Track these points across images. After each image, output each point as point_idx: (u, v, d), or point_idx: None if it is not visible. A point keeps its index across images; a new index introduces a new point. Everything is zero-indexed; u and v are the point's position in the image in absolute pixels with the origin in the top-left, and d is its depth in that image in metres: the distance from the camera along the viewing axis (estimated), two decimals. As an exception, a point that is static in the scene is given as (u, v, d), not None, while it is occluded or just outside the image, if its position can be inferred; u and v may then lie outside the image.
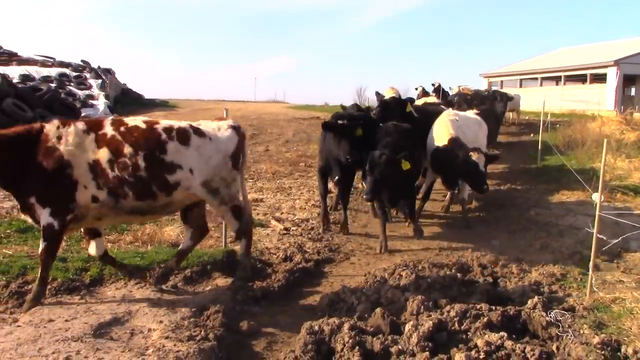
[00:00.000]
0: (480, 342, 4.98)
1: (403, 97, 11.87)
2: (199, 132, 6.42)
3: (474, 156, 9.26)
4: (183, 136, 6.26)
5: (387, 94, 11.29)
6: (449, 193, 12.22)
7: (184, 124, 6.43)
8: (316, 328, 5.33)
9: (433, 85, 26.13)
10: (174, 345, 5.12)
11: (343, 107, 13.77)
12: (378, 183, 8.52)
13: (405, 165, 8.53)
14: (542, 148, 18.02)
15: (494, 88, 40.98)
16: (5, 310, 5.95)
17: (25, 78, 29.11)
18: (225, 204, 6.63)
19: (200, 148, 6.33)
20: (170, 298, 6.38)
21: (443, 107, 13.92)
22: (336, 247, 9.01)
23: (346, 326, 5.26)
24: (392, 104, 10.89)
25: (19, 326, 5.49)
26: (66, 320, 5.63)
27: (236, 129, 6.76)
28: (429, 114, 11.55)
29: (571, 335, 5.22)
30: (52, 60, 35.44)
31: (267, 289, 6.96)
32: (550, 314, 5.63)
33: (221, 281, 6.99)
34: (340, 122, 9.61)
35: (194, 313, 5.94)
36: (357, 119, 9.78)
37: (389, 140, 9.08)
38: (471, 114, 12.28)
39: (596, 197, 6.54)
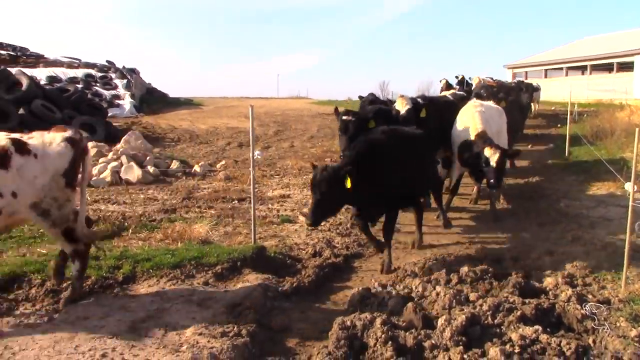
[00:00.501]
0: (514, 336, 4.93)
1: (426, 91, 11.86)
2: (21, 150, 5.59)
3: (488, 152, 9.19)
4: (1, 159, 5.44)
5: (400, 107, 10.65)
6: (475, 186, 12.14)
7: (4, 141, 5.52)
8: (348, 323, 5.32)
9: (457, 77, 25.96)
10: (208, 341, 5.16)
11: (361, 97, 13.86)
12: (319, 205, 7.10)
13: (348, 183, 7.03)
14: (570, 139, 17.78)
15: (517, 79, 40.57)
16: (42, 308, 6.04)
17: (53, 80, 29.56)
18: (57, 226, 5.92)
19: (22, 168, 5.54)
20: (202, 295, 6.42)
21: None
22: (365, 242, 8.98)
23: (378, 321, 5.25)
24: (409, 116, 10.53)
25: (55, 324, 5.58)
26: (101, 318, 5.71)
27: (73, 142, 5.93)
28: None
29: (607, 329, 5.15)
30: (78, 61, 35.96)
31: (298, 285, 6.97)
32: (585, 306, 5.55)
33: (251, 277, 7.02)
34: (345, 117, 9.70)
35: (226, 309, 5.98)
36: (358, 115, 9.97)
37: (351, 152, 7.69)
38: (491, 104, 12.14)
39: (629, 186, 6.45)
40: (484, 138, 9.46)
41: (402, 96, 10.96)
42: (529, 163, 16.95)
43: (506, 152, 9.47)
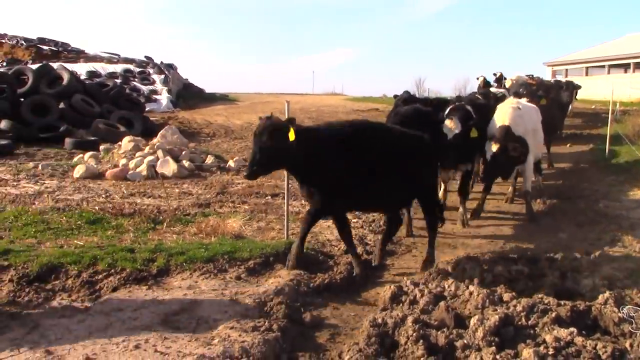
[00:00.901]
0: (548, 338, 4.84)
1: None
2: None
3: (494, 147, 9.23)
4: None
5: (449, 130, 9.24)
6: (510, 185, 11.99)
7: None
8: (379, 321, 5.30)
9: (495, 75, 25.58)
10: (239, 335, 5.19)
11: (395, 96, 13.73)
12: (255, 156, 6.59)
13: (291, 135, 6.48)
14: (611, 138, 17.39)
15: (557, 77, 39.85)
16: (77, 299, 6.16)
17: (92, 74, 30.15)
18: None
19: None
20: (234, 289, 6.46)
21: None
22: (397, 240, 8.92)
23: (410, 319, 5.21)
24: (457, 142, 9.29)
25: (90, 315, 5.68)
26: (135, 310, 5.78)
27: None
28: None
29: (645, 333, 5.02)
30: (117, 57, 36.59)
31: (330, 281, 6.96)
32: (622, 309, 5.41)
33: (284, 273, 7.03)
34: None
35: (257, 304, 6.00)
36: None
37: None
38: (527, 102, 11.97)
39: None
40: (501, 133, 9.42)
41: (451, 119, 9.34)
42: (567, 163, 16.64)
43: (507, 148, 9.33)
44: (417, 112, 9.66)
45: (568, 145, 19.22)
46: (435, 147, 7.95)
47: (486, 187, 10.53)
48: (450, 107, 10.18)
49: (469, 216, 10.11)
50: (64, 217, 9.25)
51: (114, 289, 6.38)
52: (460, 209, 10.15)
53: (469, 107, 9.91)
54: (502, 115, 9.85)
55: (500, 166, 9.63)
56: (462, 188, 10.33)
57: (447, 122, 9.26)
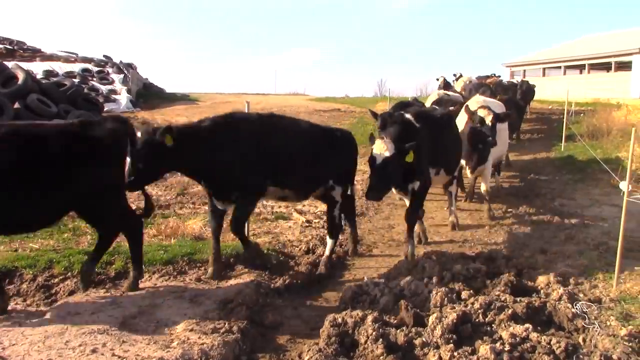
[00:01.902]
0: (505, 334, 4.95)
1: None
2: None
3: (482, 112, 9.92)
4: None
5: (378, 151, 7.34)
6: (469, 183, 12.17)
7: None
8: (340, 320, 5.33)
9: (454, 75, 25.88)
10: (199, 337, 5.15)
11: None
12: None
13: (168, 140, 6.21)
14: (566, 138, 17.79)
15: (516, 77, 40.58)
16: (33, 303, 6.04)
17: (49, 74, 29.44)
18: None
19: None
20: (194, 291, 6.41)
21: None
22: (359, 240, 8.97)
23: (370, 318, 5.25)
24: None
25: (46, 319, 5.57)
26: (92, 313, 5.70)
27: None
28: None
29: (597, 327, 5.16)
30: (74, 55, 35.81)
31: (290, 282, 6.97)
32: (576, 305, 5.56)
33: (244, 274, 7.01)
34: None
35: (217, 306, 5.97)
36: None
37: None
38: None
39: (623, 186, 6.42)
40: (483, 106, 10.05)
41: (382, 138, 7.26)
42: (524, 162, 16.97)
43: (499, 116, 9.98)
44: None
45: (525, 144, 19.58)
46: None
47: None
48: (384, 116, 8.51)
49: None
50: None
51: (71, 293, 6.28)
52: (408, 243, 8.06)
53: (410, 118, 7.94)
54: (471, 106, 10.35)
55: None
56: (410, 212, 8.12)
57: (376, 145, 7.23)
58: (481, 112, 9.94)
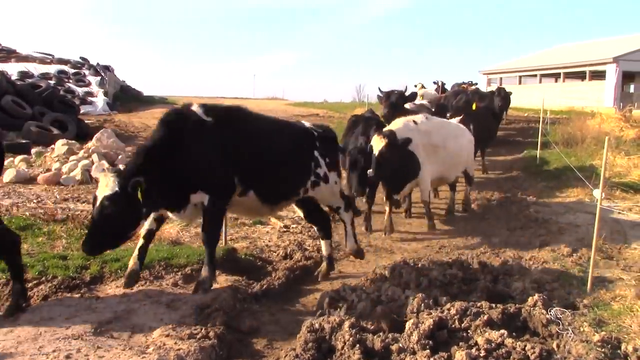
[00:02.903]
0: (480, 340, 4.99)
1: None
2: None
3: (375, 139, 9.27)
4: None
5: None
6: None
7: None
8: (317, 326, 5.33)
9: (435, 83, 26.08)
10: (175, 343, 5.11)
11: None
12: None
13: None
14: (542, 145, 18.02)
15: (493, 85, 41.00)
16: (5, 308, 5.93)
17: (24, 75, 29.09)
18: None
19: None
20: (171, 296, 6.36)
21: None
22: (337, 245, 8.97)
23: (347, 324, 5.26)
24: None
25: (19, 324, 5.47)
26: (66, 319, 5.61)
27: None
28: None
29: (571, 333, 5.22)
30: (51, 57, 35.39)
31: (268, 287, 6.96)
32: (550, 311, 5.62)
33: (221, 279, 6.98)
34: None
35: (194, 311, 5.93)
36: None
37: None
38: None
39: (597, 193, 6.54)
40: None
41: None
42: (500, 169, 17.15)
43: (395, 144, 9.16)
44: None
45: (502, 151, 19.79)
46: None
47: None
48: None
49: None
50: (-8, 224, 8.88)
51: (45, 298, 6.16)
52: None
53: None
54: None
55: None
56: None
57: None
58: (375, 139, 9.31)
